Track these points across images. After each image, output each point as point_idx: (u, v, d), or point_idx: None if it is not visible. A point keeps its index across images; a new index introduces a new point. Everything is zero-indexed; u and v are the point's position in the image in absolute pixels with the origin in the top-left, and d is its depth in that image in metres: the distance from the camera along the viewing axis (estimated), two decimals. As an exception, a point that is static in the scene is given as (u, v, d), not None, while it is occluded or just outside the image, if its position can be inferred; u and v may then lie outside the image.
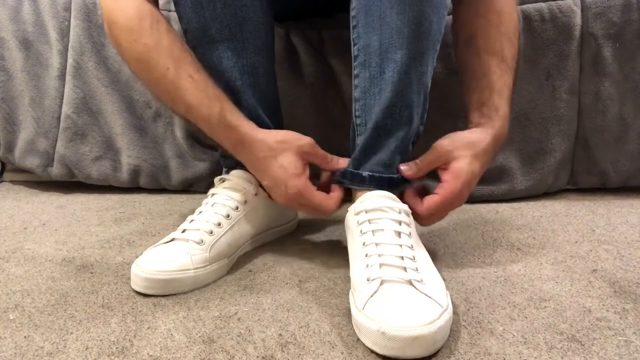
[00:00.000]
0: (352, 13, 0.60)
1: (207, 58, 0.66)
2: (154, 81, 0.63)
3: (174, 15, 0.99)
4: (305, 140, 0.63)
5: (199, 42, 0.66)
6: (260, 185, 0.71)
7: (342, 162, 0.65)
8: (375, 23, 0.57)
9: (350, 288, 0.54)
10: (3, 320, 0.51)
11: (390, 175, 0.61)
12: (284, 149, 0.62)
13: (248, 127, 0.63)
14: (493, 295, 0.56)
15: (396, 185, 0.61)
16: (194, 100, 0.61)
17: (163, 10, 0.96)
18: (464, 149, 0.62)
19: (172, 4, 0.68)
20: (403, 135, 0.60)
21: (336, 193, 0.65)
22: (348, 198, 0.65)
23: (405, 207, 0.58)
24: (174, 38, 0.62)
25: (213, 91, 0.62)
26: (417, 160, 0.63)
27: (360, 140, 0.62)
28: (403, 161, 0.62)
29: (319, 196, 0.63)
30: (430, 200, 0.61)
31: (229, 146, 0.64)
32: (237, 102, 0.68)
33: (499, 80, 0.67)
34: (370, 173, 0.60)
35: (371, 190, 0.60)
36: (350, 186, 0.63)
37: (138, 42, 0.60)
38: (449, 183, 0.60)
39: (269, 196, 0.73)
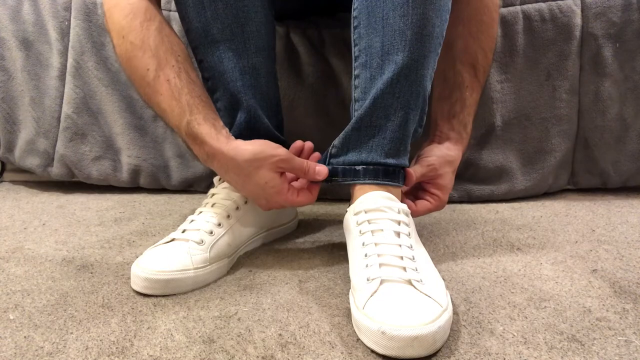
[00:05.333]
0: (354, 14, 0.60)
1: (208, 58, 0.66)
2: (136, 80, 0.62)
3: (174, 15, 1.00)
4: (278, 154, 0.60)
5: (200, 42, 0.66)
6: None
7: (321, 171, 0.62)
8: (377, 24, 0.57)
9: (350, 288, 0.54)
10: (3, 320, 0.51)
11: (385, 166, 0.60)
12: (257, 167, 0.59)
13: (217, 142, 0.59)
14: (493, 295, 0.56)
15: (392, 175, 0.60)
16: (166, 106, 0.60)
17: (163, 10, 0.96)
18: (447, 165, 0.69)
19: (173, 3, 0.68)
20: (398, 136, 0.59)
21: (315, 187, 0.66)
22: (347, 198, 0.65)
23: (404, 207, 0.58)
24: (164, 39, 0.61)
25: (187, 99, 0.60)
26: (412, 171, 0.64)
27: (344, 135, 0.61)
28: (396, 161, 0.61)
29: (300, 200, 0.64)
30: (422, 206, 0.68)
31: (200, 158, 0.63)
32: (238, 103, 0.68)
33: (471, 97, 0.73)
34: (364, 167, 0.60)
35: (366, 183, 0.60)
36: (344, 182, 0.62)
37: (125, 39, 0.60)
38: (439, 196, 0.69)
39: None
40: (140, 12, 0.61)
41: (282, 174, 0.62)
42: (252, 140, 0.61)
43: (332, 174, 0.62)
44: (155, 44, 0.60)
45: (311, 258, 0.70)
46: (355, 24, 0.60)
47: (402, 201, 0.60)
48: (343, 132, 0.61)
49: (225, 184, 0.70)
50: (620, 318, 0.51)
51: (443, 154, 0.69)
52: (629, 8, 0.94)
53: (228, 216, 0.67)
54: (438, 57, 0.61)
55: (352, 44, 0.61)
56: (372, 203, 0.57)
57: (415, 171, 0.65)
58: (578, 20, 0.95)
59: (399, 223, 0.55)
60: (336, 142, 0.62)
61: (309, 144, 0.68)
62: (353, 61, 0.61)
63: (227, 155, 0.59)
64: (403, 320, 0.44)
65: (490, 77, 0.96)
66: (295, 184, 0.67)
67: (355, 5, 0.60)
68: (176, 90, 0.60)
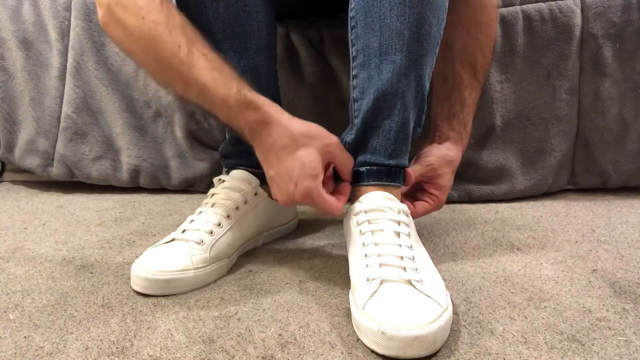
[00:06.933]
0: (351, 14, 0.60)
1: None
2: (163, 62, 0.58)
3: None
4: (332, 139, 0.60)
5: None
6: (261, 185, 0.72)
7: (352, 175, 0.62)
8: (375, 24, 0.57)
9: (350, 288, 0.54)
10: (3, 320, 0.51)
11: (387, 167, 0.60)
12: (308, 144, 0.58)
13: (272, 108, 0.58)
14: (493, 295, 0.56)
15: (394, 175, 0.60)
16: (208, 79, 0.56)
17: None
18: (446, 166, 0.69)
19: (174, 3, 0.68)
20: (401, 137, 0.60)
21: (344, 195, 0.62)
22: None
23: (404, 207, 0.58)
24: (186, 19, 0.59)
25: (229, 70, 0.58)
26: (411, 171, 0.64)
27: (354, 138, 0.61)
28: (397, 161, 0.61)
29: (329, 200, 0.59)
30: (421, 207, 0.68)
31: (246, 127, 0.59)
32: None
33: (470, 97, 0.73)
34: (368, 167, 0.60)
35: (370, 184, 0.60)
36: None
37: (147, 20, 0.56)
38: (437, 196, 0.69)
39: (269, 196, 0.73)
40: None
41: (325, 164, 0.59)
42: (306, 121, 0.61)
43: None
44: (182, 22, 0.58)
45: (311, 258, 0.70)
46: (352, 24, 0.60)
47: (401, 202, 0.60)
48: (352, 136, 0.61)
49: (225, 184, 0.70)
50: (620, 318, 0.51)
51: (443, 154, 0.69)
52: (629, 8, 0.94)
53: (228, 216, 0.67)
54: (436, 57, 0.61)
55: (350, 44, 0.61)
56: (372, 203, 0.57)
57: (415, 171, 0.65)
58: (578, 20, 0.95)
59: (399, 223, 0.55)
60: (348, 147, 0.62)
61: None
62: (351, 61, 0.61)
63: (282, 124, 0.58)
64: (403, 321, 0.44)
65: (490, 77, 0.96)
66: None
67: (352, 5, 0.60)
68: (217, 63, 0.58)
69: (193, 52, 0.57)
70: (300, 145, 0.58)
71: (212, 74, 0.57)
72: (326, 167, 0.61)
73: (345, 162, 0.61)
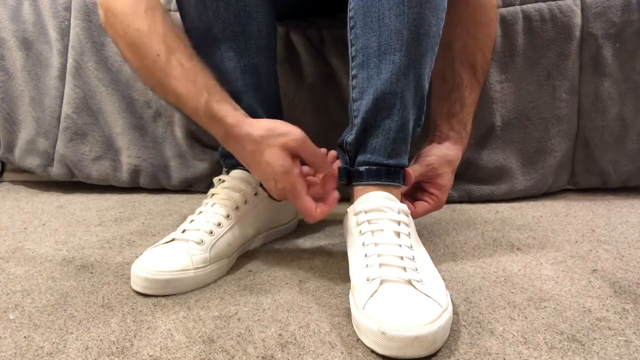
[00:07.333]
0: (350, 14, 0.60)
1: (209, 58, 0.66)
2: (146, 69, 0.60)
3: (174, 15, 0.99)
4: (293, 135, 0.58)
5: (201, 42, 0.66)
6: (261, 185, 0.72)
7: (336, 165, 0.63)
8: (374, 24, 0.57)
9: (350, 288, 0.54)
10: (3, 320, 0.51)
11: (387, 167, 0.60)
12: (270, 144, 0.58)
13: (234, 119, 0.59)
14: (493, 295, 0.56)
15: (393, 175, 0.60)
16: (182, 89, 0.58)
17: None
18: (446, 165, 0.69)
19: (173, 3, 0.68)
20: (401, 136, 0.60)
21: (327, 205, 0.61)
22: (347, 198, 0.65)
23: (404, 207, 0.58)
24: (170, 26, 0.60)
25: (203, 80, 0.59)
26: (411, 171, 0.64)
27: (354, 138, 0.61)
28: (397, 161, 0.61)
29: (305, 201, 0.60)
30: (421, 207, 0.69)
31: (219, 138, 0.61)
32: (238, 103, 0.68)
33: (470, 96, 0.73)
34: (367, 167, 0.60)
35: (369, 184, 0.60)
36: (347, 183, 0.62)
37: (131, 27, 0.58)
38: (437, 196, 0.69)
39: (269, 196, 0.73)
40: (142, 0, 0.59)
41: (293, 158, 0.59)
42: (271, 119, 0.61)
43: (348, 175, 0.62)
44: (163, 30, 0.59)
45: (311, 258, 0.70)
46: (351, 24, 0.60)
47: (401, 202, 0.60)
48: (352, 136, 0.61)
49: (225, 184, 0.70)
50: (620, 318, 0.51)
51: (442, 154, 0.69)
52: (629, 8, 0.94)
53: (228, 216, 0.67)
54: (435, 57, 0.61)
55: (349, 44, 0.61)
56: (372, 203, 0.57)
57: (415, 170, 0.65)
58: (578, 20, 0.95)
59: (398, 223, 0.55)
60: (348, 146, 0.62)
61: (332, 153, 0.67)
62: (350, 61, 0.61)
63: (244, 130, 0.58)
64: (403, 321, 0.44)
65: (490, 77, 0.96)
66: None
67: (351, 5, 0.60)
68: (191, 73, 0.59)
69: (171, 60, 0.58)
70: (263, 148, 0.58)
71: (186, 85, 0.58)
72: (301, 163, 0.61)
73: (313, 153, 0.59)
